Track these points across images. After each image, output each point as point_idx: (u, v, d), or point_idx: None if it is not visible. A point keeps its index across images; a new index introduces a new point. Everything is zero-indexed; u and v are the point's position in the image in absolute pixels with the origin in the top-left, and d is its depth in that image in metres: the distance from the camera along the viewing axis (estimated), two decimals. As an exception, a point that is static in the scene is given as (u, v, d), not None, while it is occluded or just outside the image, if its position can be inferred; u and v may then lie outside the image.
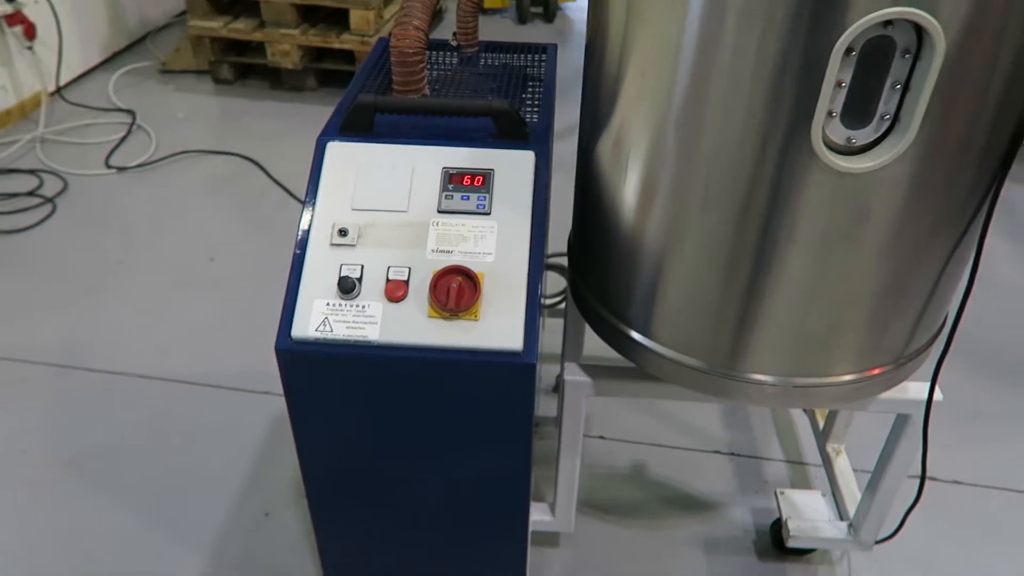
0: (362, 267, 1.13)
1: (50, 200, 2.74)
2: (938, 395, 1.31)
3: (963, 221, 1.01)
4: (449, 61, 1.56)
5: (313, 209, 1.18)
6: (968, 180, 0.96)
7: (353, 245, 1.15)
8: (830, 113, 0.88)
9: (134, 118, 3.24)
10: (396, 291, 1.11)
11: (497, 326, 1.09)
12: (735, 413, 2.07)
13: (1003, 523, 1.79)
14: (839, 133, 0.90)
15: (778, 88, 0.88)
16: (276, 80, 3.54)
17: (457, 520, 1.31)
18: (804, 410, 1.97)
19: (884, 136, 0.90)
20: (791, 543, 1.59)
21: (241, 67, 3.58)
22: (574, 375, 1.35)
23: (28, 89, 3.21)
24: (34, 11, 3.09)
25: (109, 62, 3.71)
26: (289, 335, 1.10)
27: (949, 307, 1.19)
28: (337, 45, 3.29)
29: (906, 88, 0.86)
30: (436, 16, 4.26)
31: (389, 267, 1.13)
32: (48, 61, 3.27)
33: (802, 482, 1.89)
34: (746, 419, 2.06)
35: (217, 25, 3.36)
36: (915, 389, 1.31)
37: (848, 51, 0.84)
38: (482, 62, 1.56)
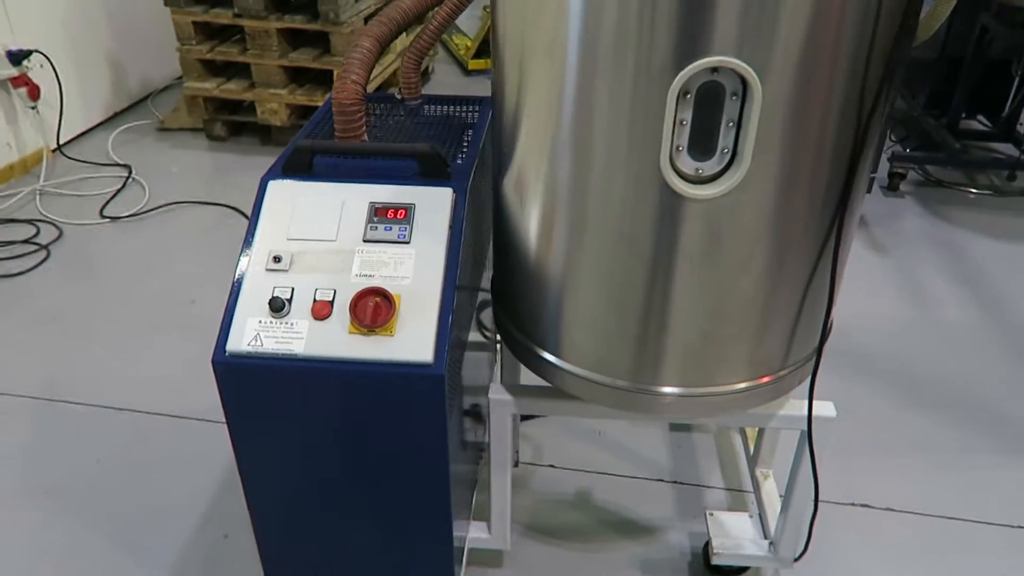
0: (292, 289, 1.26)
1: (44, 247, 2.91)
2: (830, 412, 1.42)
3: (810, 244, 1.14)
4: (395, 112, 1.73)
5: (253, 239, 1.32)
6: (807, 206, 1.10)
7: (286, 270, 1.28)
8: (678, 148, 1.02)
9: (130, 172, 3.44)
10: (322, 310, 1.24)
11: (410, 341, 1.22)
12: (681, 444, 2.17)
13: (935, 550, 1.86)
14: (688, 165, 1.04)
15: (636, 128, 1.03)
16: (266, 136, 3.75)
17: (384, 528, 1.42)
18: (742, 437, 2.07)
19: (727, 167, 1.03)
20: (715, 560, 1.67)
21: (234, 125, 3.79)
22: (498, 394, 1.47)
23: (31, 146, 3.43)
24: (39, 74, 3.32)
25: (110, 121, 3.93)
26: (224, 349, 1.23)
27: (829, 320, 1.31)
28: (322, 103, 3.50)
29: (739, 126, 1.00)
30: (424, 75, 4.50)
31: (316, 289, 1.26)
32: (51, 119, 3.49)
33: (740, 508, 1.98)
34: (691, 449, 2.15)
35: (211, 86, 3.58)
36: (814, 407, 1.41)
37: (685, 94, 0.98)
38: (424, 112, 1.73)
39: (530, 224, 1.24)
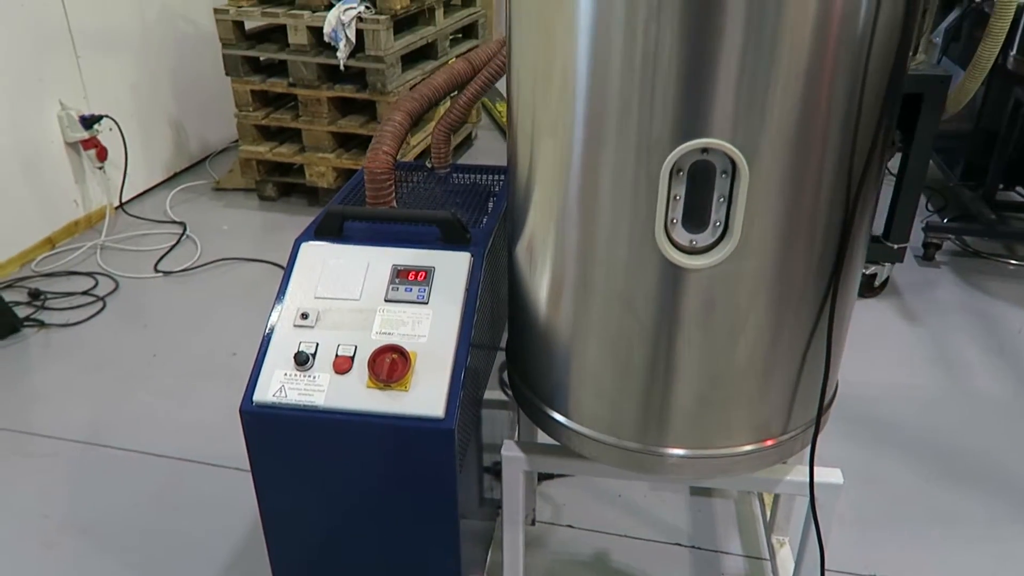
0: (317, 344, 1.35)
1: (101, 299, 3.08)
2: (837, 478, 1.44)
3: (806, 312, 1.19)
4: (425, 180, 1.84)
5: (284, 296, 1.42)
6: (800, 276, 1.15)
7: (312, 326, 1.38)
8: (673, 220, 1.09)
9: (185, 229, 3.64)
10: (342, 365, 1.33)
11: (423, 396, 1.29)
12: (701, 509, 2.17)
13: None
14: (684, 236, 1.11)
15: (634, 202, 1.10)
16: (314, 197, 3.93)
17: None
18: (760, 503, 2.07)
19: (720, 239, 1.10)
20: (728, 627, 1.67)
21: (284, 186, 3.99)
22: (511, 452, 1.52)
23: (96, 203, 3.66)
24: (107, 136, 3.57)
25: (171, 180, 4.17)
26: (252, 399, 1.32)
27: (830, 385, 1.34)
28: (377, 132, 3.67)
29: (729, 201, 1.07)
30: (465, 142, 4.67)
31: (339, 345, 1.35)
32: (116, 179, 3.73)
33: (757, 575, 1.97)
34: (711, 514, 2.15)
35: (264, 150, 3.79)
36: (819, 473, 1.43)
37: (678, 171, 1.06)
38: (452, 180, 1.84)
39: (540, 287, 1.32)
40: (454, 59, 4.21)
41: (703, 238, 1.10)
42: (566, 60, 1.07)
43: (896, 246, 3.00)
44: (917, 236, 3.38)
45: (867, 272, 3.11)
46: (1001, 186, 3.63)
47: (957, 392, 2.61)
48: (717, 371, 1.21)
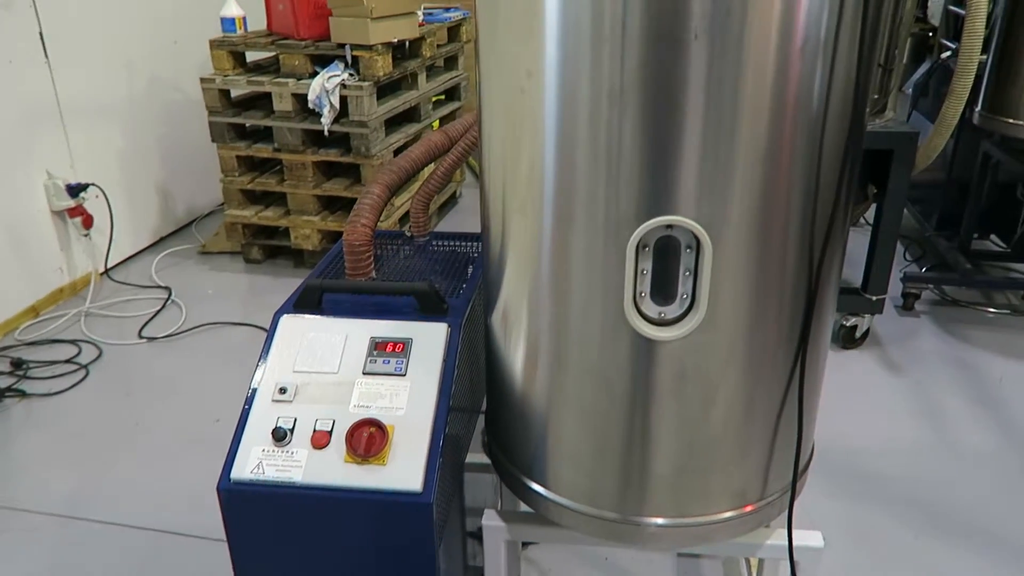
0: (295, 419, 1.35)
1: (84, 367, 3.07)
2: (818, 542, 1.44)
3: (777, 379, 1.21)
4: (404, 248, 1.86)
5: (263, 370, 1.43)
6: (769, 344, 1.17)
7: (290, 401, 1.38)
8: (641, 294, 1.12)
9: (170, 294, 3.64)
10: (321, 440, 1.33)
11: (401, 470, 1.29)
12: (688, 571, 2.15)
13: None
14: (652, 309, 1.13)
15: (603, 276, 1.13)
16: (299, 259, 3.95)
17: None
18: (746, 565, 2.05)
19: (687, 311, 1.12)
20: None
21: (269, 248, 4.01)
22: (491, 521, 1.51)
23: (81, 270, 3.67)
24: (93, 204, 3.60)
25: (156, 245, 4.19)
26: (229, 477, 1.31)
27: (805, 449, 1.35)
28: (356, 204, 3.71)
29: (695, 274, 1.09)
30: (450, 201, 4.73)
31: (317, 419, 1.35)
32: (101, 245, 3.75)
33: (747, 639, 1.94)
34: (698, 575, 2.13)
35: (250, 214, 3.83)
36: (799, 536, 1.43)
37: (644, 247, 1.09)
38: (431, 248, 1.86)
39: (515, 359, 1.33)
40: (433, 129, 4.29)
41: (671, 310, 1.13)
42: (533, 147, 1.10)
43: (875, 297, 3.04)
44: (896, 286, 3.43)
45: (848, 324, 3.15)
46: (976, 235, 3.71)
47: (942, 444, 2.62)
48: (693, 440, 1.22)
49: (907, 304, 3.47)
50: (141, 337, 3.31)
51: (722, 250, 1.08)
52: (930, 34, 5.80)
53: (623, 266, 1.10)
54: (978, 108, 3.14)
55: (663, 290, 1.12)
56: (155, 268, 3.93)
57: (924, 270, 3.78)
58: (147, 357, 3.19)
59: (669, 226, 1.07)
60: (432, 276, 1.70)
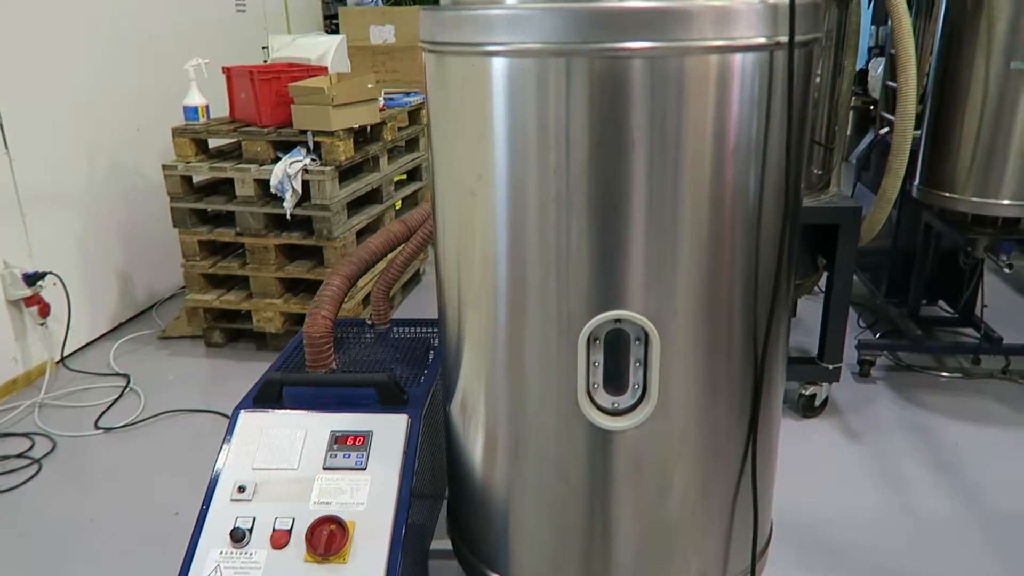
0: (254, 518, 1.34)
1: (37, 461, 2.98)
2: (782, 623, 1.44)
3: (729, 464, 1.23)
4: (365, 336, 1.88)
5: (221, 469, 1.42)
6: (720, 430, 1.20)
7: (249, 500, 1.37)
8: (594, 385, 1.15)
9: (128, 381, 3.58)
10: (280, 539, 1.31)
11: (362, 567, 1.28)
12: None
13: None
14: (606, 399, 1.16)
15: (557, 368, 1.16)
16: (262, 342, 3.92)
17: None
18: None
19: (639, 401, 1.15)
20: None
21: (231, 332, 3.98)
22: (456, 613, 1.49)
23: (36, 359, 3.60)
24: (51, 291, 3.55)
25: (115, 331, 4.14)
26: (185, 582, 1.29)
27: (763, 528, 1.37)
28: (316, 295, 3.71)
29: (645, 365, 1.13)
30: (414, 278, 4.77)
31: (276, 518, 1.34)
32: (58, 333, 3.69)
33: None
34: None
35: (211, 298, 3.81)
36: (763, 618, 1.44)
37: (595, 340, 1.12)
38: (392, 335, 1.88)
39: (474, 448, 1.34)
40: (395, 209, 4.34)
41: (624, 400, 1.16)
42: (485, 246, 1.15)
43: (831, 366, 3.11)
44: (852, 353, 3.51)
45: (807, 393, 3.20)
46: (924, 302, 3.83)
47: (903, 512, 2.65)
48: (652, 527, 1.24)
49: (863, 371, 3.54)
50: (98, 427, 3.23)
51: (670, 341, 1.12)
52: (871, 107, 6.10)
53: (575, 358, 1.13)
54: (916, 182, 3.29)
55: (615, 381, 1.15)
56: (113, 355, 3.86)
57: (878, 336, 3.88)
58: (103, 448, 3.11)
59: (618, 320, 1.11)
60: (393, 365, 1.72)
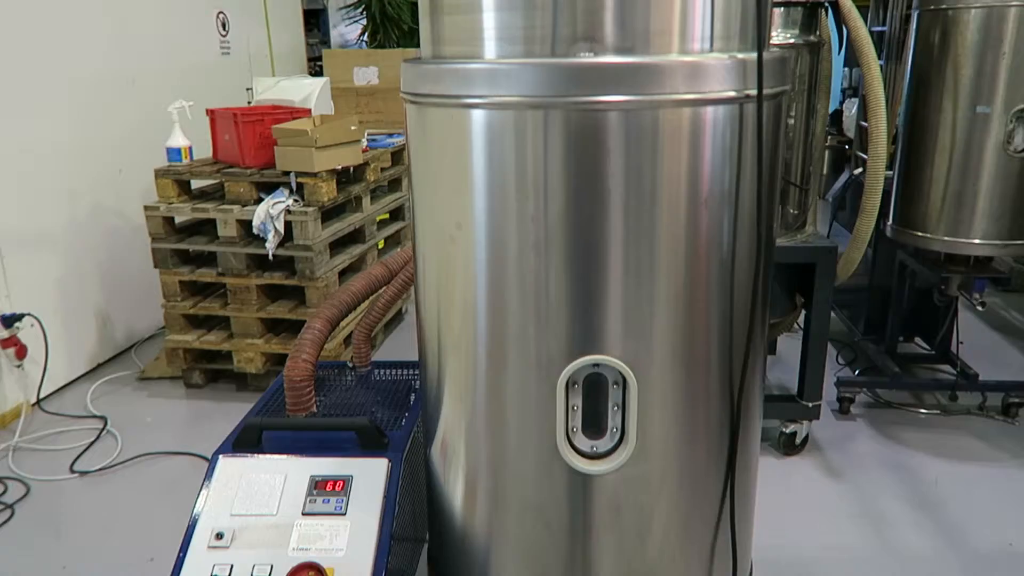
0: (231, 566, 1.33)
1: (10, 507, 2.92)
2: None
3: (708, 507, 1.24)
4: (346, 379, 1.88)
5: (199, 515, 1.40)
6: (698, 474, 1.21)
7: (227, 547, 1.35)
8: (573, 429, 1.16)
9: (105, 424, 3.53)
10: (258, 587, 1.30)
11: (341, 616, 1.27)
12: None
13: None
14: (584, 443, 1.17)
15: (536, 413, 1.17)
16: (243, 383, 3.89)
17: None
18: None
19: (618, 444, 1.16)
20: None
21: (211, 372, 3.95)
22: (437, 661, 1.48)
23: (11, 402, 3.55)
24: (28, 333, 3.52)
25: (93, 372, 4.09)
26: (161, 632, 1.27)
27: (743, 568, 1.37)
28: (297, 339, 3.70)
29: (623, 409, 1.14)
30: (396, 318, 4.77)
31: (254, 565, 1.33)
32: (35, 375, 3.64)
33: None
34: None
35: (192, 338, 3.79)
36: (745, 661, 1.43)
37: (573, 384, 1.14)
38: (373, 378, 1.88)
39: (455, 492, 1.34)
40: (378, 248, 4.35)
41: (603, 444, 1.17)
42: (465, 292, 1.16)
43: (811, 404, 3.13)
44: (832, 390, 3.54)
45: (787, 431, 3.22)
46: (901, 338, 3.88)
47: (885, 550, 2.65)
48: (631, 570, 1.24)
49: (843, 408, 3.57)
50: (73, 471, 3.18)
51: (647, 384, 1.13)
52: (847, 146, 6.23)
53: (555, 402, 1.15)
54: (890, 222, 3.36)
55: (594, 424, 1.16)
56: (91, 397, 3.82)
57: (857, 373, 3.92)
58: (79, 493, 3.06)
59: (596, 364, 1.12)
60: (373, 408, 1.72)
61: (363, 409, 1.71)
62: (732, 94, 1.07)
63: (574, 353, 1.11)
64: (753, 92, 1.08)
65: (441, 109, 1.14)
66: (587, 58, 1.02)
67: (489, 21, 1.06)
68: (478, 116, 1.09)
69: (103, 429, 3.50)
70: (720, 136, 1.08)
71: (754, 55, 1.07)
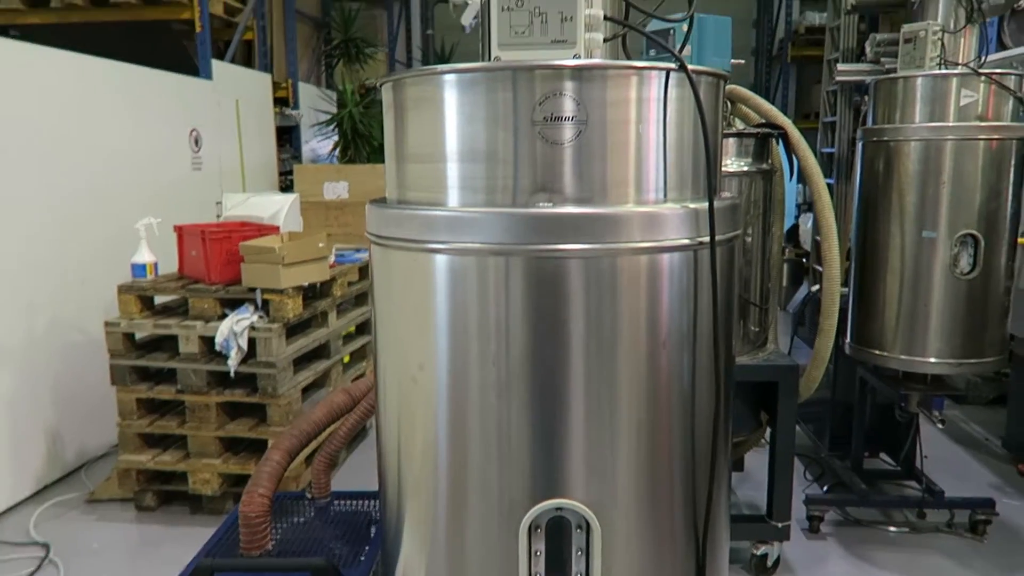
0: None
1: (-64, 648, 2.71)
2: None
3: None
4: (304, 511, 1.82)
5: (140, 671, 1.31)
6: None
7: None
8: (536, 574, 1.13)
9: (47, 552, 3.34)
10: None
11: None
12: None
13: None
14: (548, 591, 1.13)
15: (501, 559, 1.14)
16: (197, 504, 3.74)
17: None
18: None
19: (583, 590, 1.13)
20: None
21: (164, 494, 3.80)
22: None
23: (-51, 530, 3.35)
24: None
25: (40, 493, 3.91)
26: None
27: None
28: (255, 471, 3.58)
29: (587, 553, 1.12)
30: (361, 435, 4.67)
31: None
32: (-25, 502, 3.47)
33: None
34: None
35: (146, 459, 3.66)
36: None
37: (536, 528, 1.12)
38: (332, 510, 1.83)
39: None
40: (343, 363, 4.31)
41: (567, 591, 1.13)
42: (426, 433, 1.15)
43: (780, 524, 3.09)
44: (801, 508, 3.51)
45: (759, 553, 3.16)
46: (866, 454, 3.89)
47: None
48: None
49: (813, 527, 3.53)
50: (8, 607, 2.99)
51: (611, 528, 1.12)
52: (804, 259, 6.41)
53: (517, 547, 1.12)
54: (848, 339, 3.43)
55: (558, 569, 1.13)
56: (34, 521, 3.63)
57: (825, 490, 3.90)
58: (12, 631, 2.86)
59: (559, 508, 1.11)
60: (332, 543, 1.66)
61: (320, 545, 1.65)
62: (686, 241, 1.11)
63: (536, 497, 1.09)
64: (706, 239, 1.12)
65: (405, 252, 1.16)
66: (547, 208, 1.06)
67: (453, 171, 1.10)
68: (441, 260, 1.11)
69: (44, 558, 3.31)
70: (677, 280, 1.12)
71: (706, 204, 1.12)
